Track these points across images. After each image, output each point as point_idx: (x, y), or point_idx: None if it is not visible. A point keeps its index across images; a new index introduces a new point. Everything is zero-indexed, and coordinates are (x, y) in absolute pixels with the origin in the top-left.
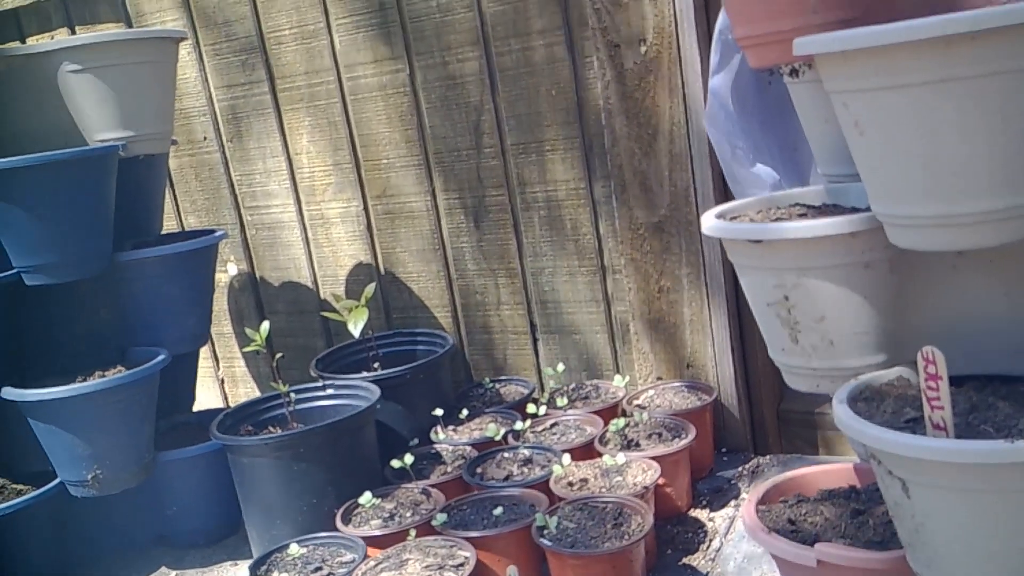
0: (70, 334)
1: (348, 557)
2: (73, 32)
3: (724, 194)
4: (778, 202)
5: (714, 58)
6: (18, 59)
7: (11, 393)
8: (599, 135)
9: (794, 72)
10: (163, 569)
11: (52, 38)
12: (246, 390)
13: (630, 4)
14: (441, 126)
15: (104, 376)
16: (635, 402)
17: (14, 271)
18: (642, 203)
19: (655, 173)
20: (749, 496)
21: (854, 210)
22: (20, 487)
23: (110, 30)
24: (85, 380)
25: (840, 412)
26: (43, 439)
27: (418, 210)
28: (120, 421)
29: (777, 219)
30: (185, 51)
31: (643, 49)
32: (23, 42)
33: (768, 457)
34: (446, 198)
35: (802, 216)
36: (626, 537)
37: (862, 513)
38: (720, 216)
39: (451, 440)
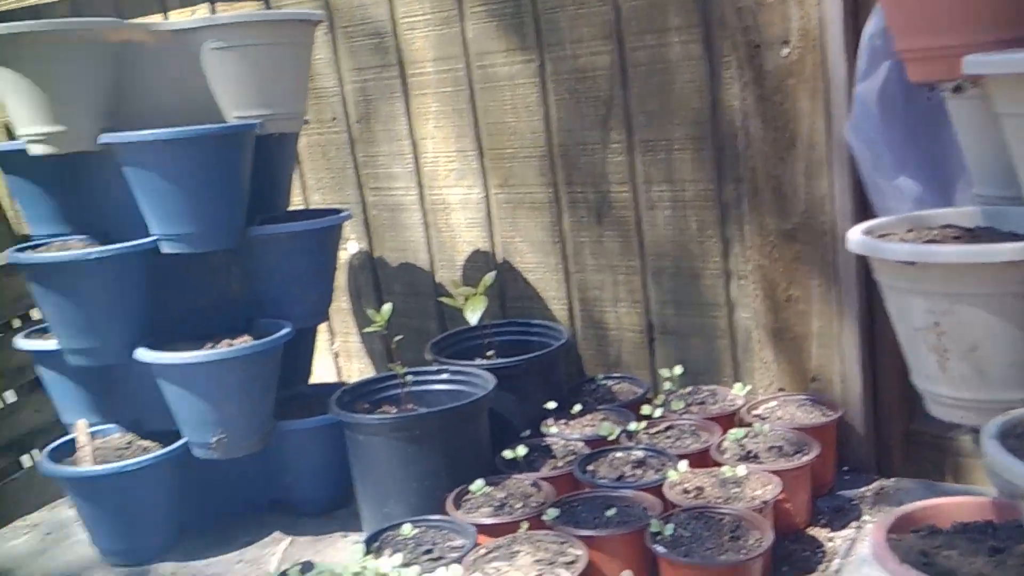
0: (201, 302)
1: (459, 542)
2: (214, 9)
3: (862, 205)
4: (928, 222)
5: (861, 64)
6: (165, 34)
7: (145, 355)
8: (732, 137)
9: (958, 89)
10: (277, 534)
11: (193, 14)
12: (359, 365)
13: (775, 5)
14: (568, 119)
15: (232, 345)
16: (754, 412)
17: (153, 239)
18: (774, 209)
19: (790, 179)
20: (878, 523)
21: (1012, 236)
22: (146, 444)
23: (248, 9)
24: (214, 347)
25: (990, 448)
26: (171, 401)
27: (540, 201)
28: (245, 389)
29: (930, 240)
30: (320, 32)
31: (785, 51)
32: (165, 16)
33: (893, 480)
34: (569, 191)
35: (956, 239)
36: (744, 551)
37: (1000, 551)
38: (868, 232)
39: (562, 434)
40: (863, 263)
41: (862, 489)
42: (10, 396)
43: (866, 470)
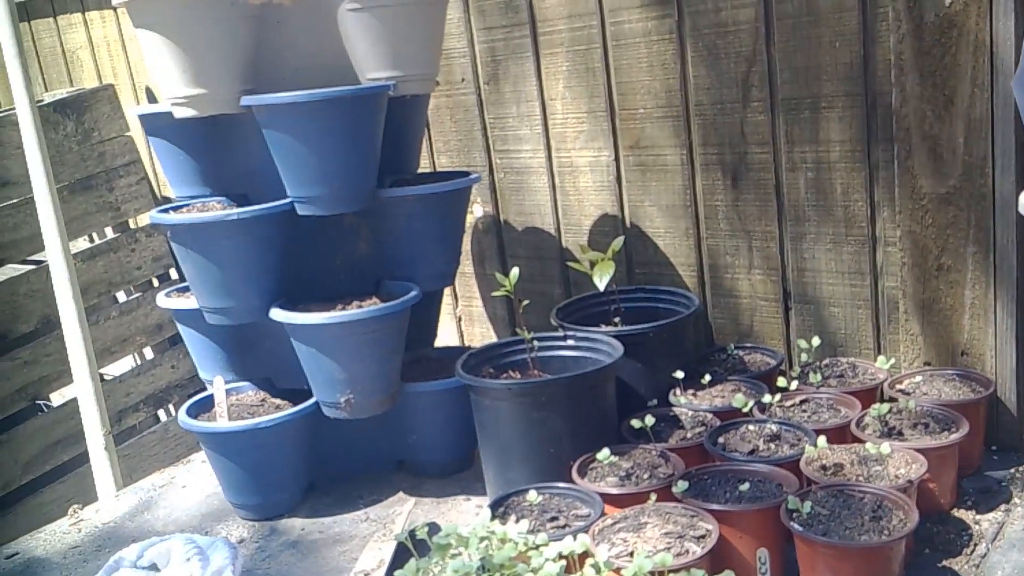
0: (332, 263)
1: (584, 511)
2: None
3: None
4: None
5: None
6: None
7: (279, 315)
8: (884, 94)
9: None
10: (400, 494)
11: None
12: (481, 330)
13: None
14: (706, 76)
15: (361, 306)
16: (898, 387)
17: (288, 200)
18: (929, 171)
19: (948, 139)
20: None
21: None
22: (278, 402)
23: None
24: (344, 309)
25: None
26: (303, 360)
27: (671, 164)
28: (373, 350)
29: None
30: None
31: (948, 1)
32: None
33: None
34: (703, 152)
35: None
36: (886, 532)
37: None
38: None
39: (691, 405)
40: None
41: (1011, 470)
42: (148, 353)
43: (1016, 450)
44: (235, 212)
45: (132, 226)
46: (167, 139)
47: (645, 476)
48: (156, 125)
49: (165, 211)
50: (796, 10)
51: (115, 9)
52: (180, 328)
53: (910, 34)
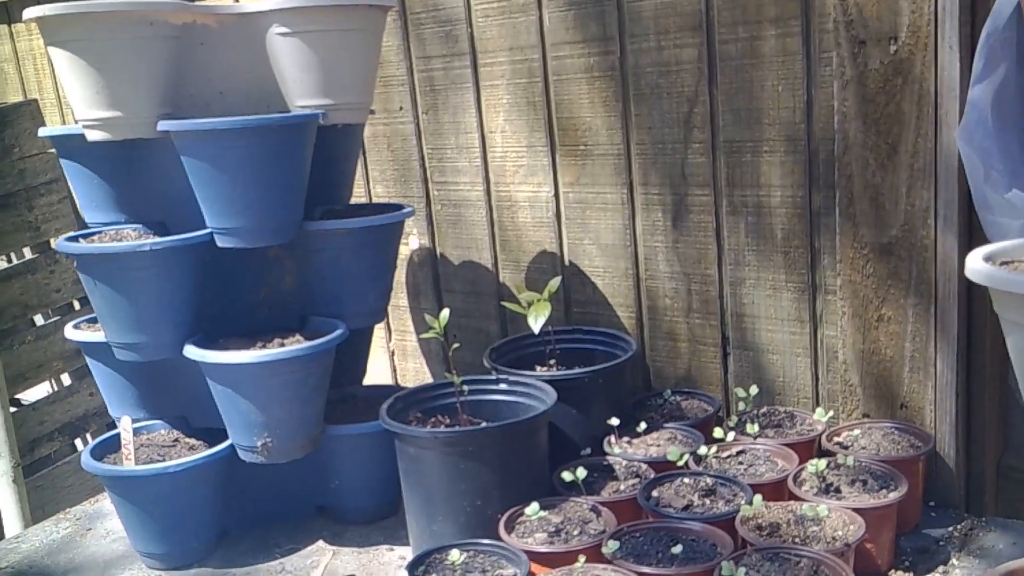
0: (254, 298)
1: (510, 571)
2: None
3: (969, 220)
4: None
5: (977, 65)
6: (230, 17)
7: (193, 352)
8: (827, 140)
9: None
10: (320, 543)
11: None
12: (415, 365)
13: None
14: (648, 115)
15: (284, 345)
16: (836, 439)
17: (208, 231)
18: (870, 220)
19: (890, 188)
20: None
21: None
22: (193, 442)
23: None
24: (265, 347)
25: None
26: (218, 400)
27: (612, 203)
28: (295, 391)
29: None
30: (390, 19)
31: (893, 48)
32: None
33: (983, 519)
34: (644, 192)
35: None
36: None
37: None
38: (989, 259)
39: (626, 454)
40: (966, 283)
41: (950, 528)
42: (65, 379)
43: (954, 507)
44: (148, 242)
45: (52, 247)
46: (79, 162)
47: (575, 533)
48: (68, 147)
49: (73, 239)
50: (740, 52)
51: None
52: (89, 362)
53: (854, 81)
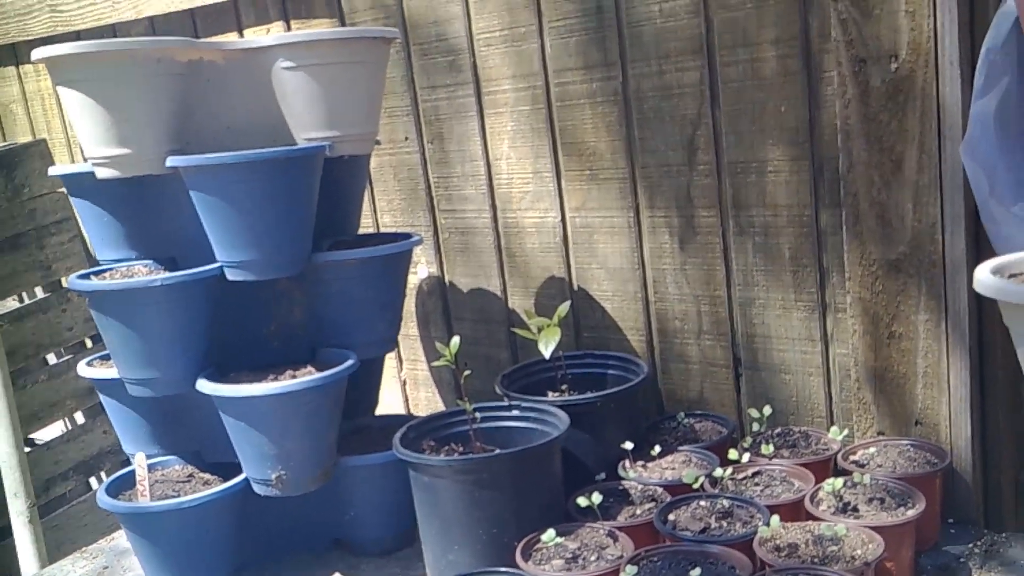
0: (264, 331)
1: None
2: (288, 27)
3: (976, 234)
4: None
5: (979, 80)
6: (236, 53)
7: (206, 387)
8: (831, 159)
9: None
10: None
11: (268, 32)
12: (427, 394)
13: (883, 16)
14: (652, 139)
15: (295, 377)
16: (852, 458)
17: (218, 265)
18: (878, 237)
19: (896, 205)
20: None
21: None
22: (207, 476)
23: (323, 27)
24: (276, 379)
25: None
26: (232, 434)
27: (619, 226)
28: (307, 423)
29: None
30: (394, 50)
31: (894, 66)
32: (241, 33)
33: (1004, 535)
34: (650, 215)
35: None
36: None
37: None
38: (997, 271)
39: (641, 478)
40: (976, 297)
41: (970, 545)
42: (79, 418)
43: (973, 523)
44: (159, 278)
45: (64, 285)
46: (90, 200)
47: (592, 559)
48: (78, 185)
49: (85, 276)
50: (741, 74)
51: None
52: (102, 399)
53: (856, 99)
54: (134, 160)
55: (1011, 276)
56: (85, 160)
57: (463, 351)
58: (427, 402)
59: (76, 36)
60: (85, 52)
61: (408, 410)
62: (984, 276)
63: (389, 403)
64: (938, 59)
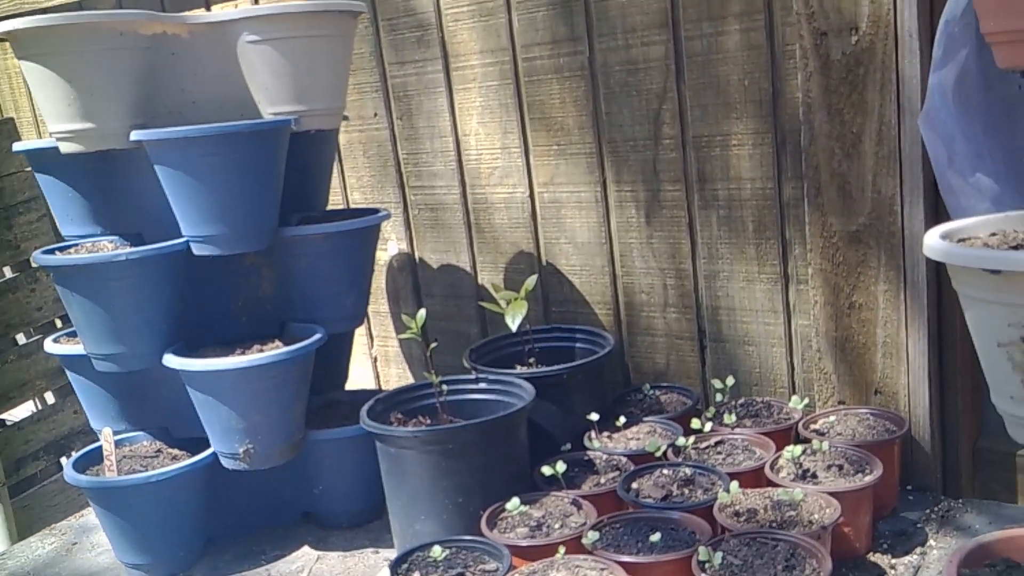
0: (232, 305)
1: (492, 565)
2: (256, 1)
3: (935, 205)
4: (1015, 224)
5: (937, 51)
6: (201, 26)
7: (172, 361)
8: (794, 132)
9: None
10: (305, 548)
11: (236, 6)
12: (398, 371)
13: None
14: (618, 113)
15: (263, 351)
16: (812, 426)
17: (184, 240)
18: (838, 209)
19: (856, 176)
20: (951, 556)
21: None
22: (176, 452)
23: (291, 1)
24: (244, 353)
25: None
26: (199, 408)
27: (586, 201)
28: (275, 397)
29: (1018, 246)
30: (361, 25)
31: (854, 39)
32: (208, 9)
33: (960, 501)
34: (617, 190)
35: None
36: None
37: None
38: (946, 236)
39: (606, 448)
40: (935, 268)
41: (927, 511)
42: (49, 398)
43: (931, 490)
44: (124, 252)
45: (33, 265)
46: (55, 176)
47: (556, 526)
48: (42, 161)
49: (51, 251)
50: (705, 48)
51: None
52: (69, 375)
53: (817, 72)
54: (98, 134)
55: (959, 240)
56: (50, 135)
57: (434, 327)
58: (398, 378)
59: (43, 12)
60: (46, 25)
61: (379, 387)
62: (933, 241)
63: (360, 380)
64: (897, 31)
